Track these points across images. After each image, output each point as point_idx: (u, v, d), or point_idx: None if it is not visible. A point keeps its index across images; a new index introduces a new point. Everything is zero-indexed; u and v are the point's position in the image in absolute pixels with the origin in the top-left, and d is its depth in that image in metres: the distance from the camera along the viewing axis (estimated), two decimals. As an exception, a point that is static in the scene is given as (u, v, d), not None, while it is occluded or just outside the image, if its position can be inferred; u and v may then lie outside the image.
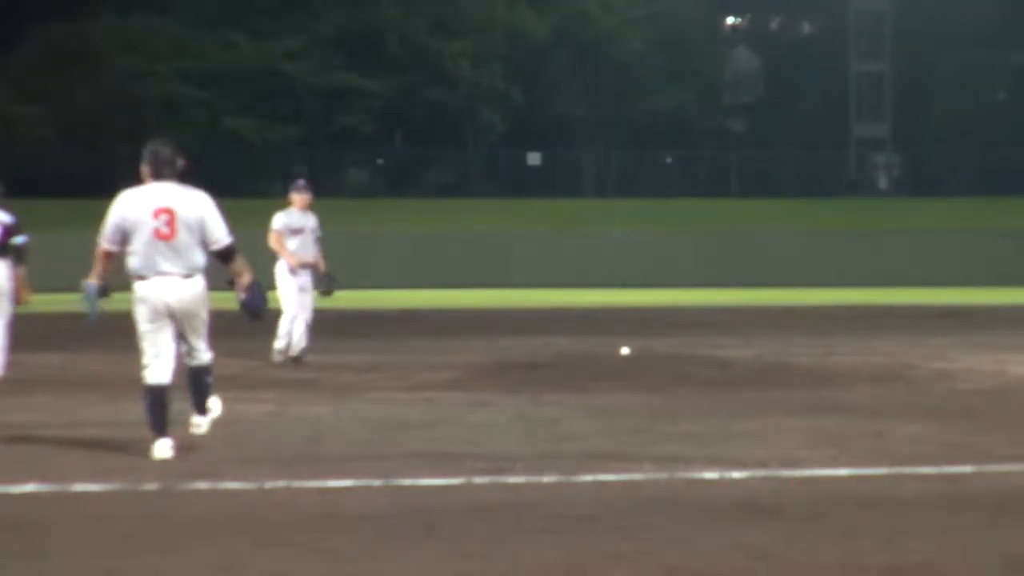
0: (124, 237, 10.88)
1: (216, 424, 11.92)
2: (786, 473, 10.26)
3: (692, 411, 13.81)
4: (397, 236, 51.42)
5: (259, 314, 11.60)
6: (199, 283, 10.97)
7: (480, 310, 34.21)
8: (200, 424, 11.37)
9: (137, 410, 13.67)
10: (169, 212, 10.82)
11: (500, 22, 69.61)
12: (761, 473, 10.20)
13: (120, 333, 25.92)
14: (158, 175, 10.99)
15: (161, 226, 10.80)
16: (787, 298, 39.27)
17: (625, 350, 19.72)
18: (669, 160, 72.11)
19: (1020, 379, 16.85)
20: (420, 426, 12.69)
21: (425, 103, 68.85)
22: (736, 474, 10.12)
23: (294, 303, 18.82)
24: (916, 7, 72.26)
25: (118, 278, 11.22)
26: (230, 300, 11.62)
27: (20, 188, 55.14)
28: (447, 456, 10.86)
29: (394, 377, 17.12)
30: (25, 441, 11.85)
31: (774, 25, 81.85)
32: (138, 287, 10.92)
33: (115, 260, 11.08)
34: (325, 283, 19.47)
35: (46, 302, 35.13)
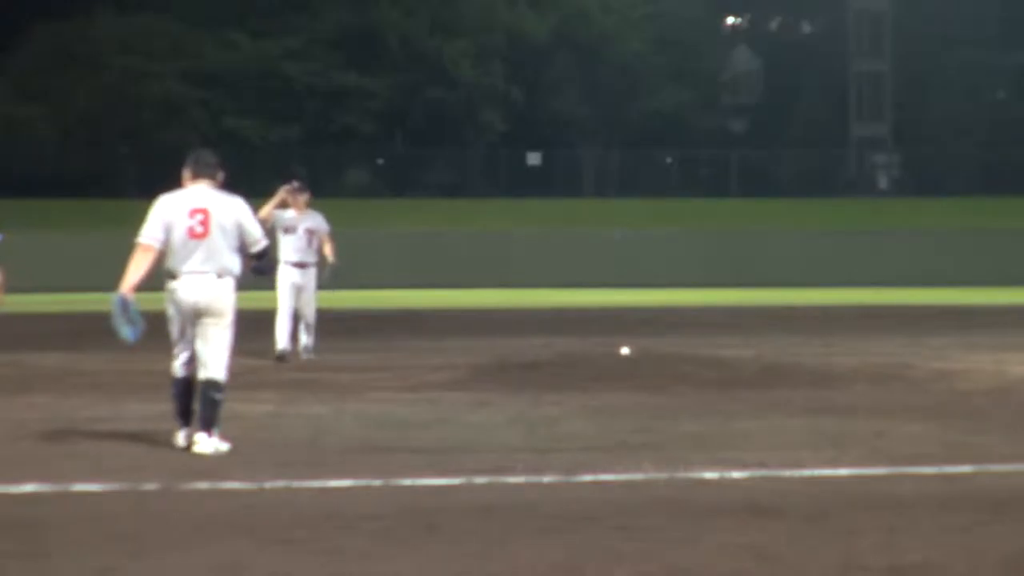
0: (166, 236, 11.19)
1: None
2: (786, 473, 10.26)
3: (692, 411, 13.81)
4: (397, 236, 51.40)
5: (264, 272, 12.00)
6: (228, 284, 11.25)
7: (480, 310, 34.20)
8: (202, 443, 11.11)
9: (137, 409, 13.71)
10: (204, 212, 11.19)
11: (500, 22, 69.61)
12: (761, 473, 10.20)
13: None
14: (196, 177, 11.43)
15: (195, 225, 11.15)
16: (787, 298, 39.26)
17: (625, 350, 19.71)
18: (669, 160, 72.10)
19: (1020, 379, 16.85)
20: (420, 426, 12.69)
21: (425, 103, 68.84)
22: (736, 474, 10.12)
23: (287, 299, 19.11)
24: (916, 7, 72.27)
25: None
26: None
27: (20, 188, 55.26)
28: (447, 456, 10.86)
29: (394, 377, 17.12)
30: (25, 441, 11.85)
31: (774, 25, 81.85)
32: (171, 285, 11.24)
33: (154, 261, 11.20)
34: (329, 272, 19.56)
35: (46, 302, 35.15)
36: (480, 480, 9.88)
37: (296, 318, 19.29)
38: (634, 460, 10.66)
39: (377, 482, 9.82)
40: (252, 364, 18.43)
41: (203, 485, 9.71)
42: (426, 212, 57.99)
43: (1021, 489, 9.75)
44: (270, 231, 18.95)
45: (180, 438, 11.27)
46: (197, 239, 11.15)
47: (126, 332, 11.15)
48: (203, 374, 11.21)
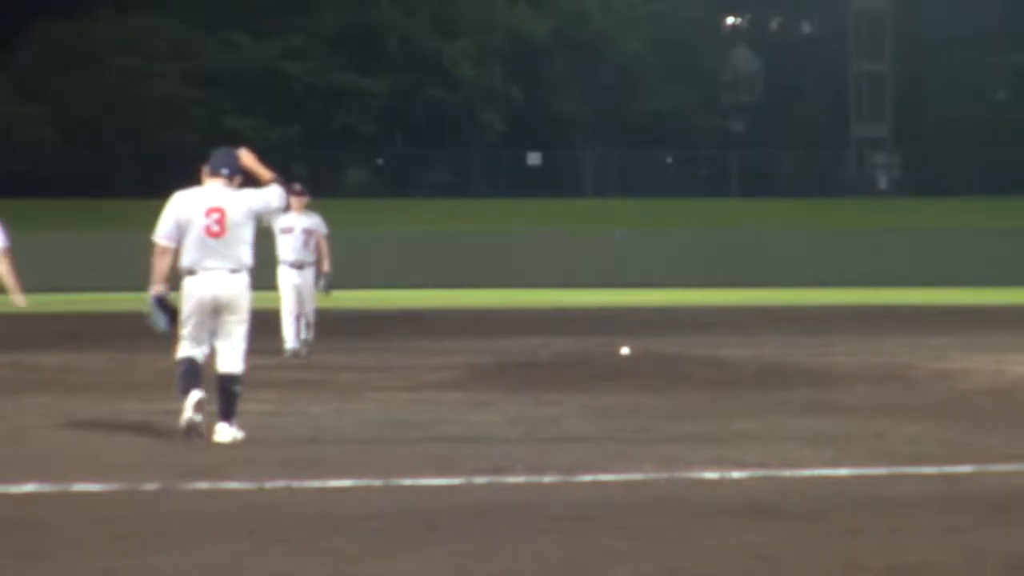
0: (180, 234, 11.53)
1: (214, 420, 11.93)
2: (786, 473, 10.26)
3: (692, 411, 13.81)
4: (397, 236, 51.42)
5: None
6: (244, 279, 11.60)
7: (480, 310, 34.21)
8: (221, 432, 11.47)
9: (137, 409, 13.70)
10: (220, 211, 11.51)
11: (500, 22, 69.61)
12: (761, 473, 10.20)
13: (119, 334, 25.91)
14: (213, 175, 11.69)
15: (212, 224, 11.48)
16: (787, 298, 39.27)
17: (625, 350, 19.71)
18: (669, 160, 72.11)
19: (1020, 379, 16.85)
20: (420, 426, 12.69)
21: (425, 103, 68.86)
22: (736, 474, 10.12)
23: (289, 299, 19.62)
24: (916, 7, 72.27)
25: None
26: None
27: (20, 188, 55.25)
28: (447, 456, 10.86)
29: (394, 377, 17.12)
30: (25, 441, 11.85)
31: (774, 25, 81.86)
32: (187, 282, 11.56)
33: (172, 258, 11.56)
34: (323, 282, 20.03)
35: (46, 302, 35.14)
36: (480, 480, 9.88)
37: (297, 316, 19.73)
38: (634, 460, 10.66)
39: (377, 482, 9.81)
40: (253, 363, 18.42)
41: (203, 485, 9.71)
42: (426, 212, 58.00)
43: (1021, 489, 9.75)
44: (267, 230, 19.13)
45: (194, 397, 11.36)
46: (214, 237, 11.49)
47: (162, 322, 11.70)
48: (222, 368, 11.58)
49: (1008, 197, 60.14)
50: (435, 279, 48.18)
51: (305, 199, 19.86)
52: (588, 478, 9.99)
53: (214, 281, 11.51)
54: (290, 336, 19.60)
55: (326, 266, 19.96)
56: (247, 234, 11.63)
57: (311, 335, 19.89)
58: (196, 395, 11.40)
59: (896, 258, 50.97)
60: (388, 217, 55.44)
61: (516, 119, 69.04)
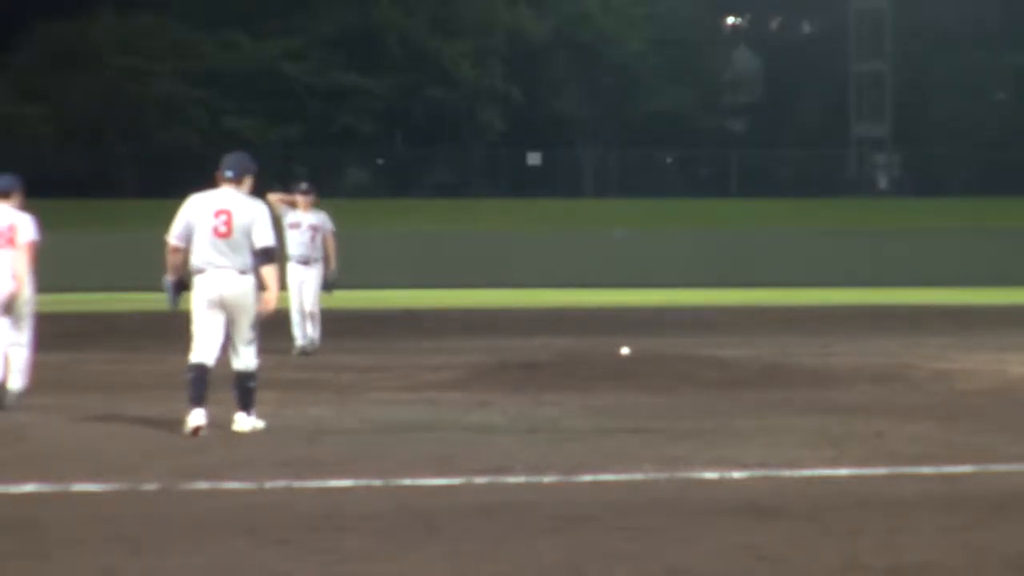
0: (189, 234, 12.15)
1: (215, 424, 11.95)
2: (786, 473, 10.27)
3: (692, 411, 13.81)
4: (397, 236, 51.38)
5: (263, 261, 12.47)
6: (251, 280, 12.16)
7: (480, 310, 34.20)
8: (240, 422, 12.13)
9: (137, 409, 13.70)
10: (227, 213, 12.10)
11: (500, 22, 69.57)
12: (761, 473, 10.20)
13: (119, 334, 25.93)
14: (222, 177, 12.28)
15: (219, 225, 12.08)
16: (787, 298, 39.25)
17: (625, 350, 19.71)
18: (669, 160, 72.08)
19: (1020, 379, 16.85)
20: (420, 426, 12.69)
21: (425, 103, 68.82)
22: (736, 474, 10.12)
23: (297, 297, 20.08)
24: (916, 7, 72.24)
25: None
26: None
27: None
28: (447, 456, 10.86)
29: (394, 377, 17.12)
30: (25, 441, 11.85)
31: (774, 25, 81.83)
32: (196, 280, 12.17)
33: (183, 256, 12.23)
34: (328, 280, 20.52)
35: (46, 302, 35.10)
36: (480, 480, 9.88)
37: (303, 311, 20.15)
38: (634, 460, 10.66)
39: (377, 482, 9.82)
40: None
41: (203, 485, 9.71)
42: (426, 212, 57.98)
43: (1021, 489, 9.75)
44: (276, 224, 19.38)
45: (197, 417, 11.87)
46: (221, 238, 12.06)
47: (172, 298, 12.46)
48: (236, 366, 12.23)
49: (1008, 197, 60.10)
50: (435, 279, 48.13)
51: (312, 197, 20.46)
52: (588, 478, 10.00)
53: (221, 280, 12.05)
54: (299, 334, 20.02)
55: (332, 264, 20.44)
56: (251, 238, 12.11)
57: (317, 333, 20.23)
58: (198, 419, 11.88)
59: (896, 258, 50.92)
60: (388, 217, 55.41)
61: (516, 119, 69.02)
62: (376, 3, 68.39)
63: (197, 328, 12.13)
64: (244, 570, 7.36)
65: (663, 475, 10.11)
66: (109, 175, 61.47)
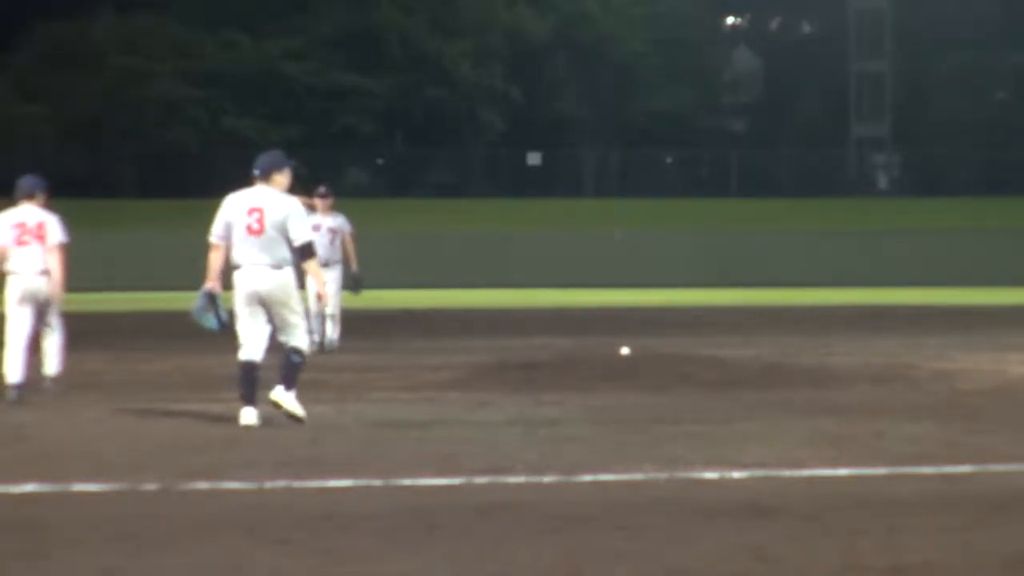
0: (228, 233, 12.51)
1: (216, 424, 11.95)
2: (786, 473, 10.26)
3: (692, 411, 13.80)
4: (397, 236, 51.38)
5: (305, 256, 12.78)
6: (286, 274, 12.49)
7: (480, 310, 34.20)
8: (279, 393, 12.39)
9: (137, 409, 13.70)
10: (260, 211, 12.45)
11: (500, 22, 69.60)
12: (761, 473, 10.20)
13: (119, 333, 25.92)
14: (253, 176, 12.60)
15: (252, 223, 12.44)
16: (787, 298, 39.25)
17: (625, 350, 19.70)
18: (669, 160, 72.09)
19: (1020, 379, 16.85)
20: (420, 426, 12.69)
21: (425, 103, 68.83)
22: (736, 474, 10.12)
23: (311, 299, 19.90)
24: (916, 7, 72.28)
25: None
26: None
27: (20, 188, 54.75)
28: (447, 456, 10.85)
29: (394, 377, 17.12)
30: (25, 441, 11.85)
31: (774, 25, 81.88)
32: (235, 276, 12.50)
33: (223, 254, 12.52)
34: (352, 281, 20.95)
35: (46, 302, 35.07)
36: (480, 480, 9.88)
37: (322, 313, 20.37)
38: (634, 460, 10.66)
39: (377, 482, 9.81)
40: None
41: (203, 485, 9.71)
42: (426, 212, 58.00)
43: (1021, 489, 9.75)
44: None
45: (249, 416, 12.32)
46: (255, 235, 12.41)
47: (211, 322, 12.67)
48: (287, 343, 12.51)
49: (1008, 197, 60.11)
50: (435, 279, 48.14)
51: (330, 200, 20.85)
52: (588, 478, 9.99)
53: (256, 276, 12.40)
54: (316, 335, 19.97)
55: (354, 266, 20.76)
56: (285, 233, 12.44)
57: (337, 334, 20.57)
58: (249, 417, 12.32)
59: (896, 258, 50.92)
60: (388, 217, 55.39)
61: (516, 119, 69.03)
62: (376, 3, 68.41)
63: (240, 326, 12.46)
64: (244, 570, 7.36)
65: (663, 475, 10.10)
66: (108, 175, 61.48)
